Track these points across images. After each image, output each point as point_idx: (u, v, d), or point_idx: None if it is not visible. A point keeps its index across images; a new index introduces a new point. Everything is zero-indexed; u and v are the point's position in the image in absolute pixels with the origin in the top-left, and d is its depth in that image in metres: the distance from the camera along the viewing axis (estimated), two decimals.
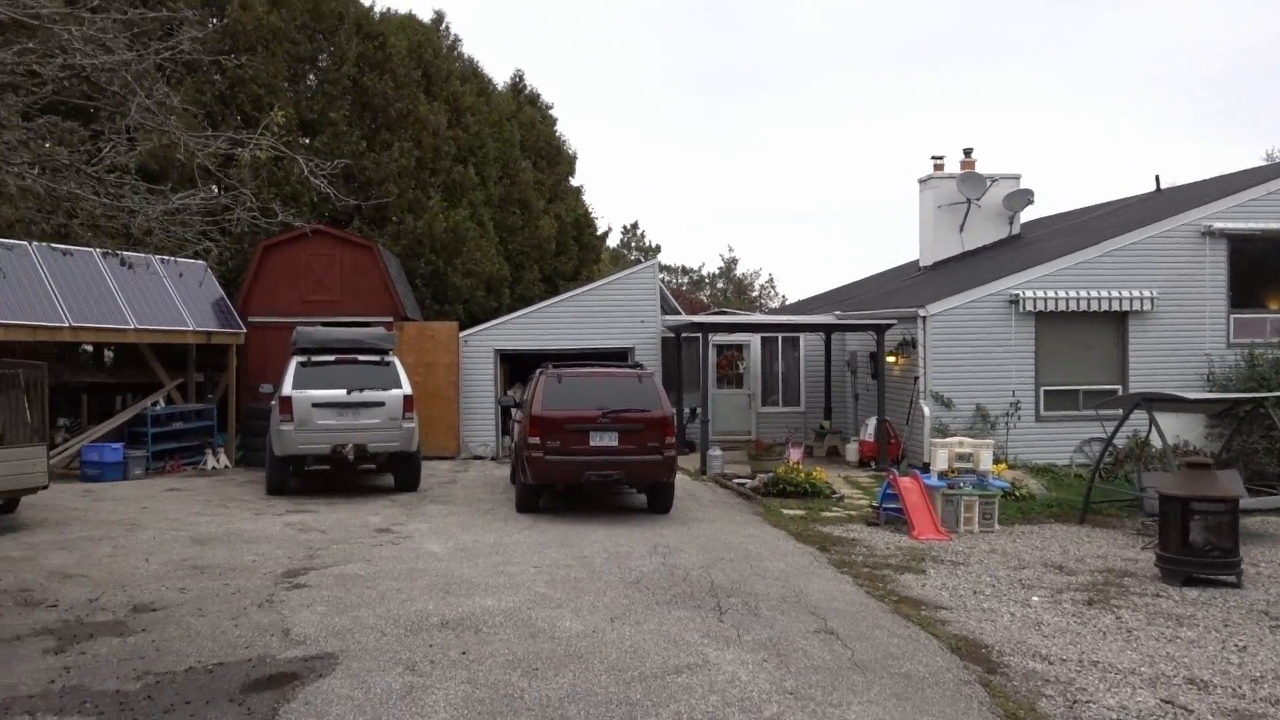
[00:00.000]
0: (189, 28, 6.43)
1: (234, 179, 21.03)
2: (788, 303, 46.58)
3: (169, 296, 17.91)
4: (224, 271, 20.67)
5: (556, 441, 12.13)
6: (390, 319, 19.37)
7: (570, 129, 77.34)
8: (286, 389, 13.82)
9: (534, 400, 12.54)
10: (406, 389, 14.26)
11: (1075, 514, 12.70)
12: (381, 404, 13.97)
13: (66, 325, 15.80)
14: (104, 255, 17.99)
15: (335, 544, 10.44)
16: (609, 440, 12.16)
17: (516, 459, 13.52)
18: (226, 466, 17.77)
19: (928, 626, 7.56)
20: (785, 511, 12.95)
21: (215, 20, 23.73)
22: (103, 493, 14.04)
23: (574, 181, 34.12)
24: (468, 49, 47.83)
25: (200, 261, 19.39)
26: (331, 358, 14.33)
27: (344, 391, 13.86)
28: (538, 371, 13.20)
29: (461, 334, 19.92)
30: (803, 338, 21.45)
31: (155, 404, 17.84)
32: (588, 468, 12.10)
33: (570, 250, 31.48)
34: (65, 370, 17.55)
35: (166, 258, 18.69)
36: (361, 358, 14.44)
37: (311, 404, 13.70)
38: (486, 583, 8.67)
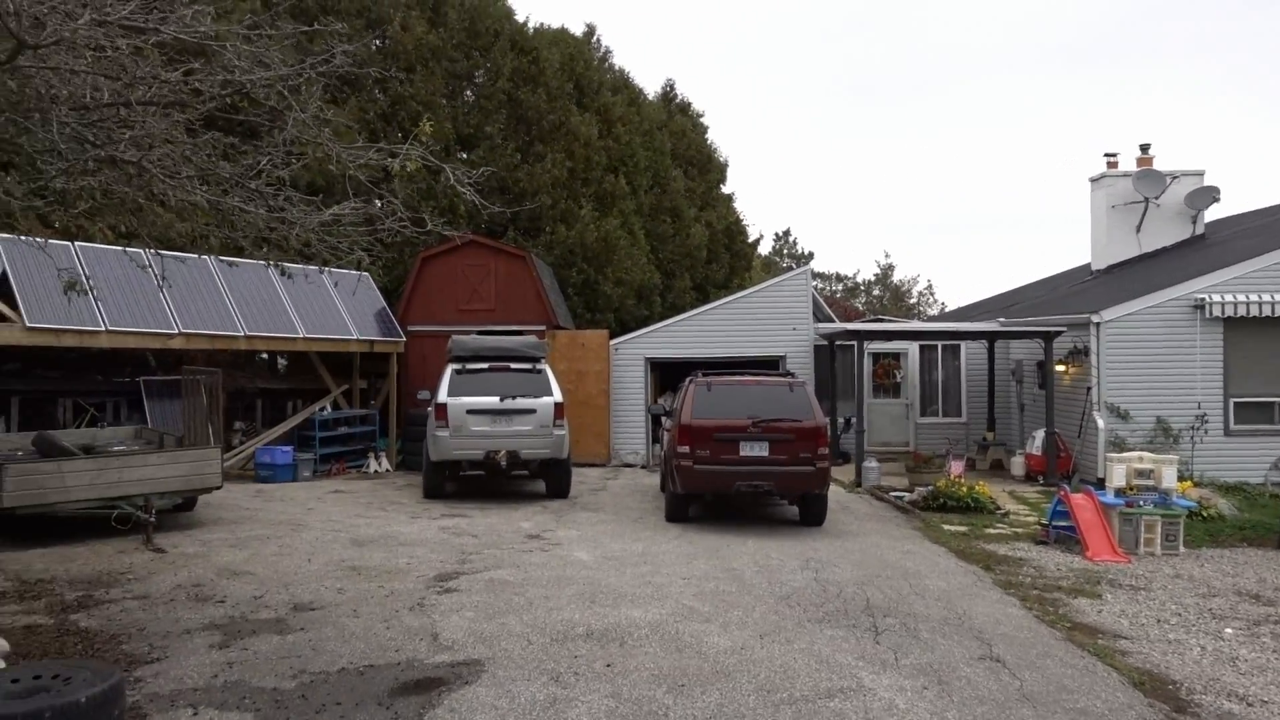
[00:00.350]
0: (340, 41, 6.54)
1: (390, 191, 21.83)
2: (947, 310, 44.99)
3: (335, 307, 18.67)
4: (386, 282, 21.43)
5: (706, 451, 11.94)
6: (543, 327, 19.63)
7: (721, 137, 77.09)
8: (442, 396, 14.14)
9: (683, 409, 12.39)
10: (557, 396, 14.36)
11: (1272, 538, 11.62)
12: (533, 411, 14.11)
13: (242, 335, 16.65)
14: (273, 266, 19.05)
15: (486, 549, 10.55)
16: (759, 450, 11.87)
17: (666, 468, 13.40)
18: (388, 470, 18.36)
19: (1105, 657, 6.98)
20: (946, 527, 12.35)
21: (378, 42, 24.67)
22: (273, 493, 14.70)
23: (725, 189, 33.95)
24: (618, 61, 48.25)
25: (363, 273, 20.20)
26: (485, 365, 14.58)
27: (497, 399, 14.07)
28: (687, 380, 13.05)
29: (612, 342, 20.00)
30: (964, 345, 20.55)
31: (323, 409, 18.63)
32: (737, 478, 11.85)
33: (721, 258, 31.27)
34: (242, 377, 18.54)
35: (333, 270, 19.55)
36: (514, 366, 14.64)
37: (466, 410, 13.96)
38: (633, 593, 8.55)
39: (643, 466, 19.06)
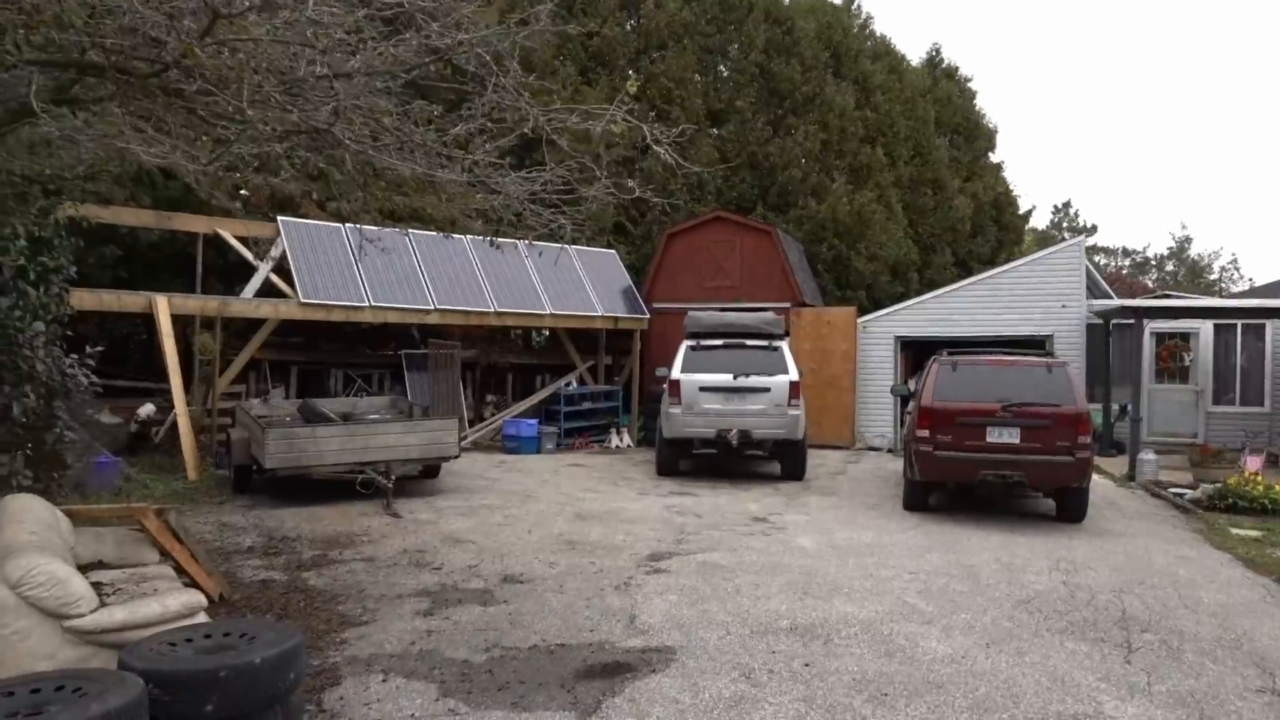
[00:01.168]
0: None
1: (641, 167, 21.88)
2: (1255, 285, 39.91)
3: (582, 284, 18.99)
4: (633, 260, 21.60)
5: (948, 436, 11.00)
6: (788, 305, 19.05)
7: (990, 102, 72.40)
8: (675, 372, 13.95)
9: (925, 389, 11.49)
10: (793, 375, 13.79)
11: None
12: (767, 390, 13.63)
13: (493, 311, 17.27)
14: (529, 246, 19.66)
15: (707, 529, 10.23)
16: (1009, 437, 10.79)
17: (905, 453, 12.52)
18: (629, 445, 18.51)
19: None
20: (1234, 531, 10.72)
21: (632, 22, 24.85)
22: (515, 465, 15.13)
23: (993, 158, 31.79)
24: (879, 27, 46.29)
25: (610, 250, 20.46)
26: (720, 342, 14.25)
27: (730, 376, 13.71)
28: (931, 359, 12.10)
29: (860, 320, 19.09)
30: (1269, 325, 17.93)
31: (568, 384, 19.05)
32: (983, 466, 10.83)
33: (987, 231, 29.30)
34: (495, 352, 19.29)
35: (581, 248, 19.92)
36: (749, 343, 14.21)
37: (698, 388, 13.70)
38: (850, 586, 7.93)
39: (889, 451, 18.08)
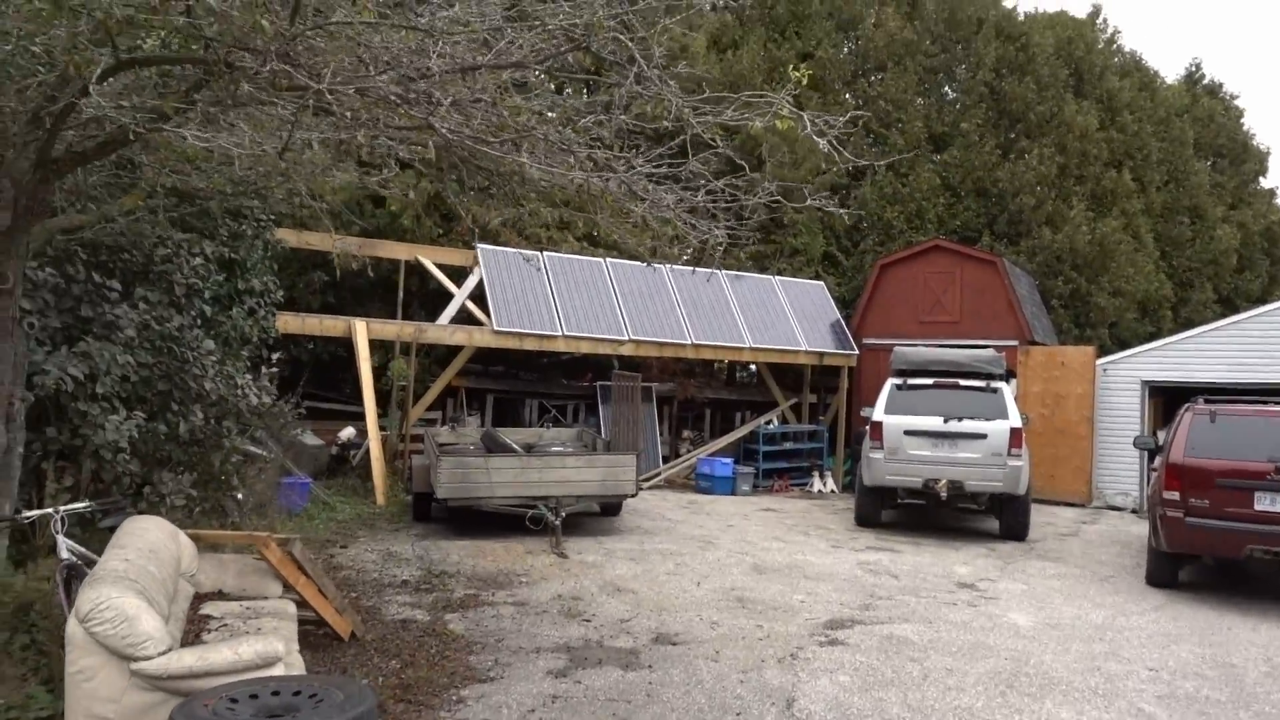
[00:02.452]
0: None
1: (855, 195, 20.67)
2: None
3: (785, 316, 17.97)
4: (842, 292, 20.37)
5: (1204, 500, 9.21)
6: (1014, 342, 17.26)
7: (1262, 122, 65.14)
8: (878, 413, 12.68)
9: (1174, 443, 9.72)
10: (1014, 421, 12.19)
11: None
12: (983, 436, 12.10)
13: (689, 343, 16.54)
14: (735, 278, 18.92)
15: (901, 594, 8.95)
16: None
17: (1150, 516, 10.69)
18: (832, 490, 17.23)
19: None
20: None
21: (849, 44, 23.73)
22: (703, 506, 14.25)
23: (1265, 183, 28.17)
24: (1128, 42, 42.74)
25: (817, 282, 19.34)
26: (930, 381, 12.84)
27: (940, 420, 12.28)
28: (1184, 407, 10.27)
29: (1099, 361, 16.98)
30: None
31: (768, 422, 18.02)
32: (1250, 540, 8.97)
33: (1257, 265, 25.96)
34: (693, 385, 18.55)
35: (786, 278, 18.93)
36: (964, 382, 12.72)
37: (903, 431, 12.36)
38: (1070, 681, 6.51)
39: (1133, 511, 15.87)
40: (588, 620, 7.56)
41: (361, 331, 14.12)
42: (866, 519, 13.03)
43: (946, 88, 24.33)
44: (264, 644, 4.52)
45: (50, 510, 5.62)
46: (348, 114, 4.79)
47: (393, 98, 4.79)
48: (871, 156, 22.23)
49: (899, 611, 8.27)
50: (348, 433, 15.16)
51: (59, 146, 5.48)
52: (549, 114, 5.32)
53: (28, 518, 5.69)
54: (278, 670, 4.59)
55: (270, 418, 13.46)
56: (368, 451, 14.15)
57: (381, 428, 14.83)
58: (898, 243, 20.64)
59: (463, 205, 8.08)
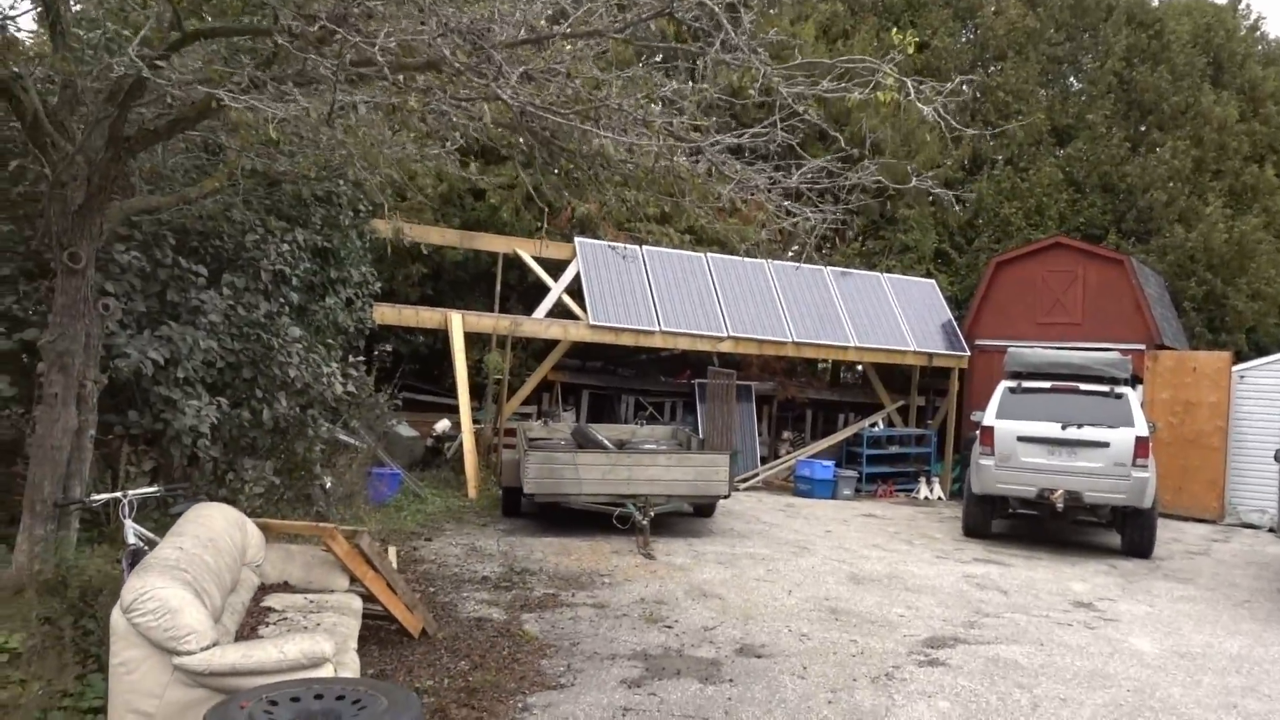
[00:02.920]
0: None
1: (970, 189, 19.75)
2: None
3: (893, 316, 17.25)
4: (955, 291, 19.50)
5: None
6: (1141, 346, 16.17)
7: None
8: (989, 418, 11.93)
9: None
10: (1140, 429, 11.30)
11: None
12: (1104, 445, 11.26)
13: (790, 341, 15.99)
14: (841, 275, 18.26)
15: (1011, 612, 8.30)
16: None
17: None
18: (939, 498, 16.44)
19: None
20: None
21: (967, 32, 22.75)
22: (801, 509, 13.70)
23: None
24: (1273, 28, 40.32)
25: (928, 280, 18.54)
26: (1047, 385, 12.03)
27: (1057, 426, 11.48)
28: None
29: (1235, 368, 15.76)
30: None
31: (873, 425, 17.34)
32: None
33: None
34: (793, 385, 17.99)
35: (894, 276, 18.19)
36: (1084, 387, 11.87)
37: (1016, 437, 11.60)
38: None
39: (1270, 530, 14.65)
40: (669, 627, 7.17)
41: (457, 324, 14.04)
42: (975, 529, 12.29)
43: (1071, 78, 23.10)
44: (311, 643, 4.27)
45: (119, 494, 5.53)
46: (399, 77, 4.51)
47: (458, 65, 4.50)
48: (989, 150, 21.27)
49: (1007, 631, 7.64)
50: (443, 425, 15.11)
51: (131, 124, 5.38)
52: (624, 86, 4.91)
53: (96, 501, 5.62)
54: (326, 671, 4.34)
55: (363, 408, 13.53)
56: (461, 444, 14.07)
57: (476, 421, 14.74)
58: (1015, 240, 19.63)
59: (551, 189, 7.78)
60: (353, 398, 10.09)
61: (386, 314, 13.75)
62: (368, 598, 6.09)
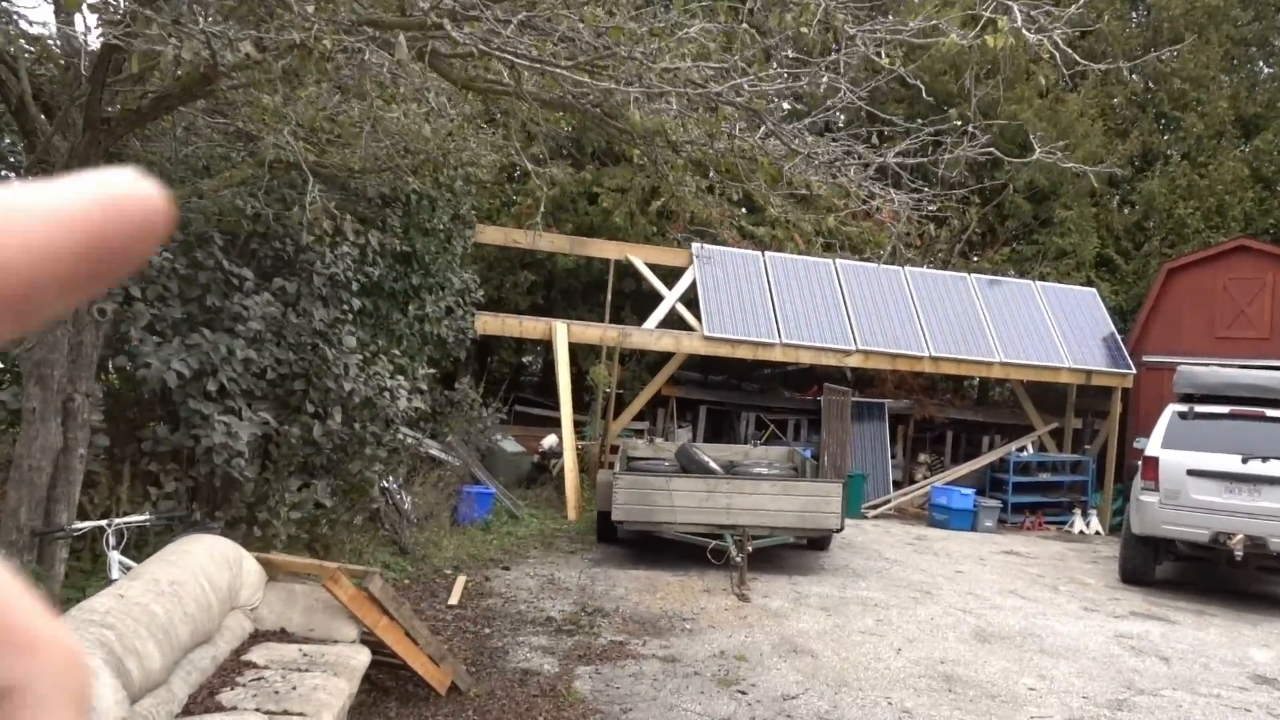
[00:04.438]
0: None
1: (1137, 189, 17.72)
2: None
3: (1045, 328, 15.54)
4: (1120, 302, 17.53)
5: None
6: None
7: None
8: (1153, 447, 10.30)
9: None
10: None
11: None
12: None
13: (926, 355, 14.57)
14: (987, 283, 16.64)
15: (1172, 688, 6.84)
16: None
17: None
18: (1096, 533, 14.64)
19: None
20: None
21: (1137, 14, 20.62)
22: (932, 543, 12.29)
23: None
24: None
25: (1088, 289, 16.75)
26: (1224, 409, 10.31)
27: (1237, 458, 9.77)
28: None
29: None
30: None
31: (1021, 449, 15.66)
32: None
33: None
34: (931, 404, 16.49)
35: (1047, 284, 16.47)
36: (1271, 413, 10.09)
37: (1186, 470, 9.94)
38: None
39: None
40: (743, 692, 6.11)
41: (561, 334, 13.31)
42: (1134, 575, 10.64)
43: (1260, 62, 20.63)
44: None
45: (102, 523, 4.92)
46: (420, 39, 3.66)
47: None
48: (1161, 144, 19.17)
49: (1166, 716, 6.22)
50: (550, 440, 14.41)
51: (111, 104, 4.76)
52: (635, 21, 3.92)
53: (78, 530, 5.03)
54: None
55: (461, 421, 12.94)
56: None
57: (581, 437, 14.00)
58: (1191, 244, 17.50)
59: (670, 188, 6.85)
60: (421, 413, 9.44)
61: (489, 323, 13.17)
62: (377, 647, 5.30)
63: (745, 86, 3.71)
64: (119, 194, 0.34)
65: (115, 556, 4.90)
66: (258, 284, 7.21)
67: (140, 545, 5.87)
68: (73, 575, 5.69)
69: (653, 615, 7.79)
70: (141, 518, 5.10)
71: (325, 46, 2.99)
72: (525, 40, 3.60)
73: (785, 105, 14.58)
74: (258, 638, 5.02)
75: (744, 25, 3.72)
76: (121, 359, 6.15)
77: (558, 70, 3.60)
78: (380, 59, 4.77)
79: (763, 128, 4.09)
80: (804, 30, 3.58)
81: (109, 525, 4.90)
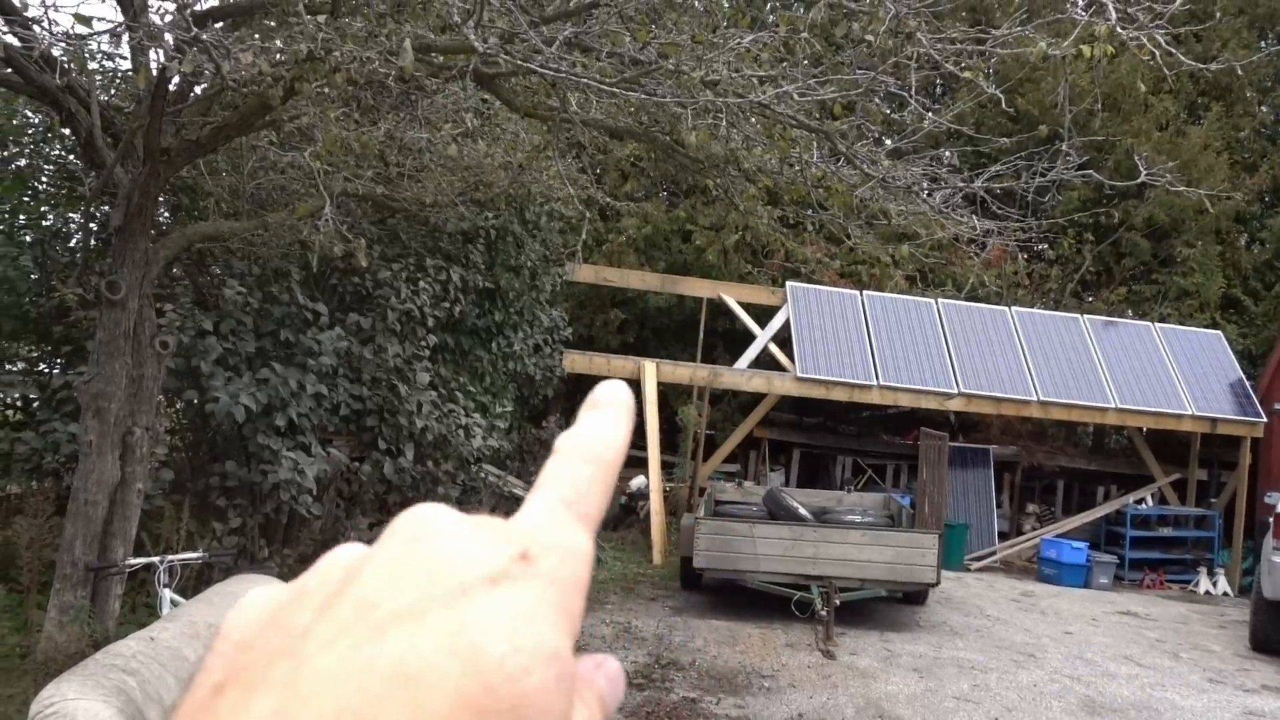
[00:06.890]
0: None
1: (1267, 224, 16.64)
2: None
3: (1166, 372, 14.59)
4: (1250, 345, 16.40)
5: None
6: None
7: None
8: None
9: None
10: None
11: None
12: None
13: (1035, 400, 13.82)
14: (1102, 324, 15.76)
15: None
16: None
17: None
18: (1224, 593, 13.56)
19: None
20: None
21: (1269, 45, 19.52)
22: (1039, 600, 11.53)
23: None
24: None
25: (1213, 331, 15.73)
26: None
27: None
28: None
29: None
30: None
31: (1139, 501, 14.67)
32: None
33: None
34: (1041, 452, 15.64)
35: (1168, 326, 15.52)
36: None
37: None
38: None
39: None
40: None
41: (650, 373, 13.06)
42: (1266, 643, 9.71)
43: None
44: None
45: (155, 559, 4.84)
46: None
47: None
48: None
49: None
50: (638, 482, 14.11)
51: (170, 135, 4.73)
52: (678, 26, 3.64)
53: (131, 565, 4.96)
54: None
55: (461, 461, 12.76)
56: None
57: (670, 479, 13.67)
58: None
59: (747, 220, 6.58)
60: (505, 451, 9.29)
61: (578, 361, 13.03)
62: None
63: (795, 96, 3.40)
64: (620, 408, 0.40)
65: (167, 594, 4.81)
66: (332, 319, 7.18)
67: (207, 582, 5.80)
68: (139, 611, 5.64)
69: (730, 670, 7.39)
70: (194, 555, 5.00)
71: (336, 58, 2.83)
72: (571, 58, 3.39)
73: (884, 140, 14.15)
74: None
75: (803, 34, 3.42)
76: (191, 392, 6.14)
77: (602, 87, 3.36)
78: (448, 94, 4.63)
79: (833, 149, 3.77)
80: (870, 39, 3.25)
81: (161, 562, 4.81)
